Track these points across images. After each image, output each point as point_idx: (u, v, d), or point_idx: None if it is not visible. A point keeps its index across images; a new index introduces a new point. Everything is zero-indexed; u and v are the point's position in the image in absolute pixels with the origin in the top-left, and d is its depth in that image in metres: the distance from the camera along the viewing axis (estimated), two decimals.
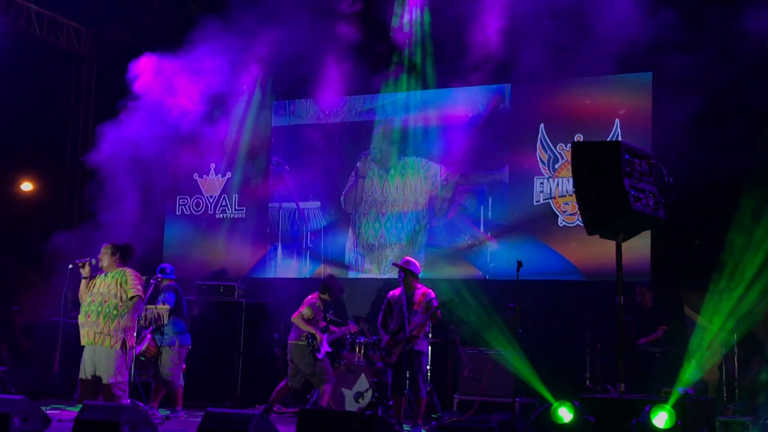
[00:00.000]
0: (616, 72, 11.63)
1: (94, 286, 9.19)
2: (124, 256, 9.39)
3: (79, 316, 9.22)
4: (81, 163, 14.98)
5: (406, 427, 9.35)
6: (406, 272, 9.63)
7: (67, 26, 14.70)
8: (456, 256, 12.33)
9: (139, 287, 9.15)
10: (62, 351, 11.36)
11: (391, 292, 9.84)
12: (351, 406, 10.20)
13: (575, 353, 10.76)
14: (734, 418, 8.61)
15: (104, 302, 9.02)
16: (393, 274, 11.92)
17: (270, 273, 13.43)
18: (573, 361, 10.79)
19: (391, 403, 9.90)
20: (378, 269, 12.75)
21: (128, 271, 9.20)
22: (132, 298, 9.05)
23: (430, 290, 9.78)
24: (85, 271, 9.21)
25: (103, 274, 9.24)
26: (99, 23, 14.96)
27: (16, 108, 14.13)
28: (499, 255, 12.06)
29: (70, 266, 9.27)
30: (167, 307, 10.22)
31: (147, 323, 10.12)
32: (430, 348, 11.07)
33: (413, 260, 9.87)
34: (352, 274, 12.92)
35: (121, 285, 9.08)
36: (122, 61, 14.68)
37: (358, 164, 13.02)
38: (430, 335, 11.03)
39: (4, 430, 7.88)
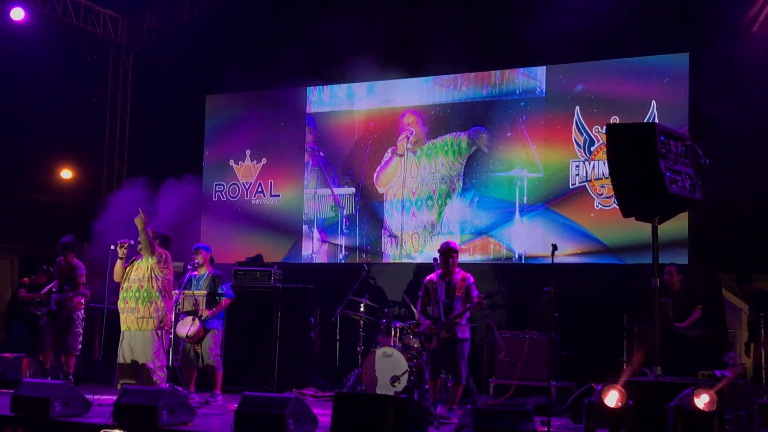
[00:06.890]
0: (652, 53, 11.51)
1: (132, 271, 9.31)
2: (162, 243, 9.49)
3: (119, 302, 9.36)
4: (119, 150, 15.15)
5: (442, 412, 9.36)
6: (447, 255, 9.63)
7: (104, 15, 14.82)
8: (490, 239, 12.29)
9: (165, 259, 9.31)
10: (103, 336, 11.50)
11: (428, 277, 9.83)
12: (387, 389, 10.21)
13: (612, 336, 10.71)
14: None
15: (141, 287, 9.16)
16: (427, 258, 11.95)
17: (306, 258, 13.49)
18: (610, 344, 10.74)
19: (426, 386, 9.91)
20: (412, 252, 12.74)
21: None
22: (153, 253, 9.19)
23: (469, 274, 9.77)
24: (121, 252, 9.32)
25: (139, 260, 9.35)
26: (135, 11, 15.07)
27: (55, 96, 14.32)
28: (535, 238, 12.01)
29: (112, 247, 9.38)
30: (229, 299, 10.34)
31: (191, 307, 10.17)
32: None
33: (451, 242, 9.89)
34: (386, 259, 12.93)
35: (150, 263, 9.21)
36: (158, 49, 14.84)
37: (398, 142, 12.99)
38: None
39: (45, 414, 8.03)
